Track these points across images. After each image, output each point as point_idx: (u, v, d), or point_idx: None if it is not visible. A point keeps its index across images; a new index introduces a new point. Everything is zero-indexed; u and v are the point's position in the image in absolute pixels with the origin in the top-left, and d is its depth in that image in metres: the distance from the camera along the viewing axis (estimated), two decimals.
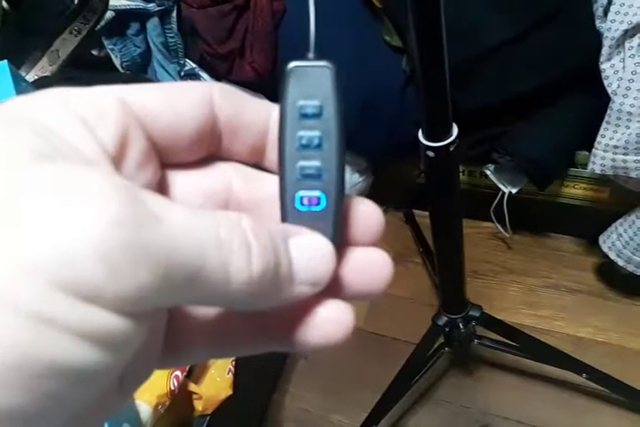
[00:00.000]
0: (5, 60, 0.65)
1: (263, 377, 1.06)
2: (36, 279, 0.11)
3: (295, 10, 0.89)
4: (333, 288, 0.17)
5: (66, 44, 0.93)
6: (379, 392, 0.95)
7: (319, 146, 0.17)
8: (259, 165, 0.19)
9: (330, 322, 0.17)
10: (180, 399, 0.70)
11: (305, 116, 0.17)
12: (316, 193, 0.17)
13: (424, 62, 0.51)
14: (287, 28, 0.91)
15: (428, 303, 1.13)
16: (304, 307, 0.17)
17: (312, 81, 0.17)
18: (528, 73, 0.86)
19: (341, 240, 0.17)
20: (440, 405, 1.03)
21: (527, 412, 0.99)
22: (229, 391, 0.73)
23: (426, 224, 1.20)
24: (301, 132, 0.17)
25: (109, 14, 0.92)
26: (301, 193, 0.17)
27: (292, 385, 1.11)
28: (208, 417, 0.73)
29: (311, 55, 0.17)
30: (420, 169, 1.13)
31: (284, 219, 0.17)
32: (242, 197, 0.19)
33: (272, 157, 0.18)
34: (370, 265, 0.18)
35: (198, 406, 0.72)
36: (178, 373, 0.67)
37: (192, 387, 0.71)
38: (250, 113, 0.18)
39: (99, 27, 0.93)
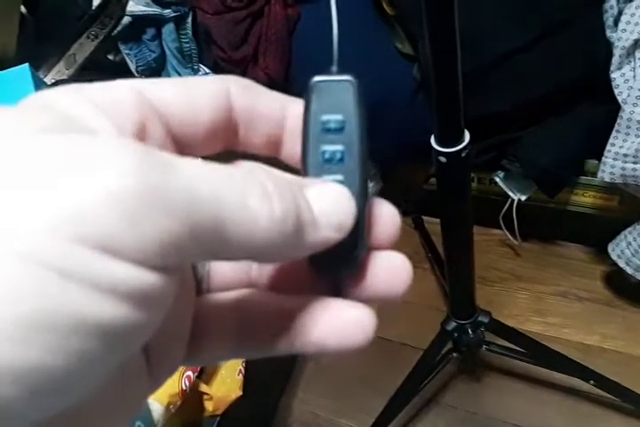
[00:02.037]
0: (27, 64, 0.67)
1: (272, 379, 1.07)
2: (57, 235, 0.10)
3: (309, 17, 0.90)
4: (354, 291, 0.18)
5: (83, 49, 0.94)
6: (386, 397, 0.95)
7: (341, 160, 0.17)
8: (276, 158, 0.19)
9: (351, 325, 0.16)
10: (190, 400, 0.70)
11: (328, 130, 0.17)
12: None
13: (437, 68, 0.52)
14: (301, 34, 0.92)
15: (436, 309, 1.13)
16: (326, 308, 0.17)
17: (335, 95, 0.17)
18: (538, 81, 0.87)
19: (366, 248, 0.17)
20: (447, 410, 1.03)
21: (534, 419, 0.99)
22: (239, 392, 0.74)
23: (434, 230, 1.21)
24: (324, 147, 0.17)
25: (126, 19, 0.94)
26: None
27: (300, 389, 1.11)
28: (218, 418, 0.73)
29: (334, 69, 0.17)
30: (428, 175, 1.14)
31: None
32: None
33: (289, 150, 0.19)
34: (390, 269, 0.18)
35: (208, 406, 0.73)
36: (189, 373, 0.68)
37: (203, 387, 0.72)
38: (265, 104, 0.18)
39: (115, 32, 0.95)
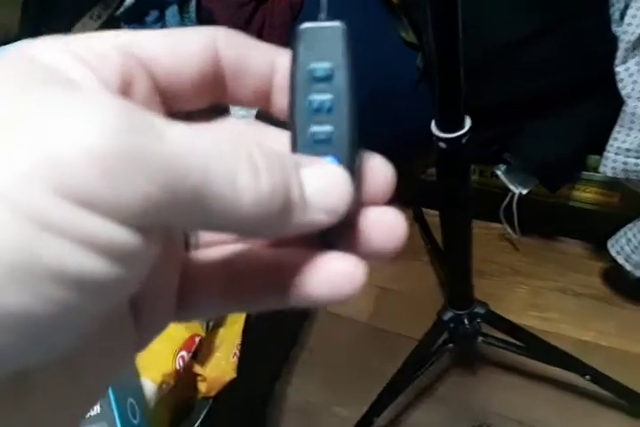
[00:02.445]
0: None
1: (267, 364, 1.08)
2: (34, 183, 0.10)
3: (313, 3, 0.90)
4: (346, 246, 0.17)
5: (85, 29, 0.94)
6: (381, 386, 0.95)
7: (330, 110, 0.17)
8: (266, 112, 0.19)
9: (340, 276, 0.16)
10: (184, 380, 0.71)
11: (315, 79, 0.16)
12: (328, 158, 0.16)
13: (440, 52, 0.52)
14: (305, 20, 0.92)
15: (433, 301, 1.13)
16: (314, 260, 0.17)
17: (323, 43, 0.16)
18: (541, 73, 0.87)
19: (357, 204, 0.17)
20: (441, 402, 1.04)
21: (528, 412, 1.00)
22: (233, 374, 0.74)
23: (434, 222, 1.21)
24: (312, 96, 0.16)
25: (129, 1, 0.94)
26: None
27: (295, 376, 1.12)
28: (211, 400, 0.74)
29: (323, 16, 0.17)
30: (427, 165, 1.13)
31: None
32: None
33: (279, 103, 0.18)
34: (383, 224, 0.17)
35: (202, 387, 0.73)
36: (184, 353, 0.68)
37: (197, 369, 0.72)
38: (254, 56, 0.17)
39: (118, 12, 0.94)
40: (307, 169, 0.15)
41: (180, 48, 0.16)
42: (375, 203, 0.18)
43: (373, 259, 0.18)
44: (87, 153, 0.11)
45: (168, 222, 0.12)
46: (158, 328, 0.18)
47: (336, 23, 0.16)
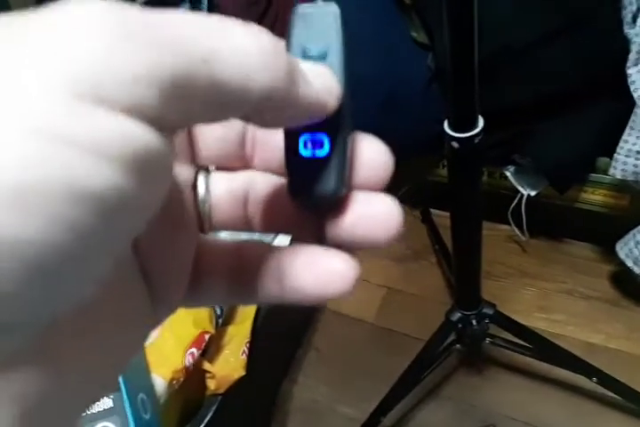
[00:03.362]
0: None
1: (275, 362, 1.08)
2: (32, 89, 0.10)
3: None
4: (336, 230, 0.17)
5: None
6: (387, 386, 0.95)
7: None
8: None
9: (331, 274, 0.16)
10: (193, 377, 0.71)
11: (310, 58, 0.16)
12: (320, 137, 0.17)
13: (454, 52, 0.52)
14: None
15: (441, 302, 1.14)
16: (309, 256, 0.17)
17: (317, 25, 0.17)
18: (553, 75, 0.87)
19: (348, 185, 0.17)
20: (447, 402, 1.04)
21: (535, 414, 0.99)
22: (242, 372, 0.74)
23: (441, 223, 1.21)
24: None
25: None
26: (305, 137, 0.17)
27: (301, 375, 1.12)
28: (220, 397, 0.74)
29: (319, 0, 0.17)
30: (436, 166, 1.14)
31: (288, 164, 0.17)
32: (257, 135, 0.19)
33: None
34: (375, 210, 0.17)
35: (211, 385, 0.73)
36: (193, 350, 0.68)
37: (206, 366, 0.72)
38: None
39: None
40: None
41: None
42: (370, 188, 0.17)
43: (366, 247, 0.17)
44: (96, 37, 0.10)
45: (183, 105, 0.12)
46: (171, 305, 0.18)
47: (331, 6, 0.17)
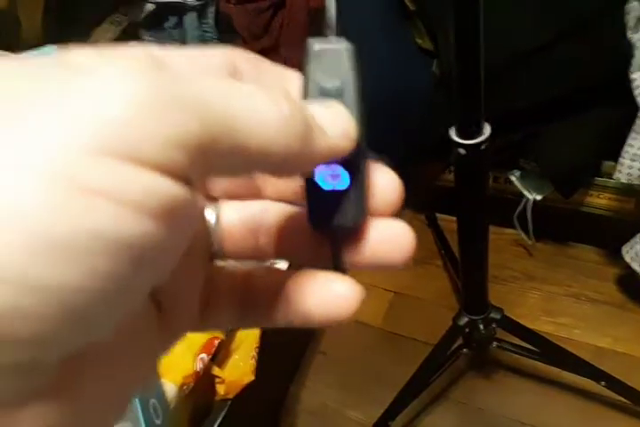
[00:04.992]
0: (54, 46, 0.68)
1: (283, 367, 1.08)
2: (78, 148, 0.10)
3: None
4: (353, 256, 0.18)
5: (105, 34, 0.96)
6: (395, 390, 0.95)
7: None
8: None
9: (335, 298, 0.17)
10: (203, 382, 0.71)
11: (327, 96, 0.17)
12: (340, 171, 0.17)
13: (460, 58, 0.52)
14: (323, 27, 0.93)
15: (448, 306, 1.14)
16: (313, 281, 0.17)
17: (332, 62, 0.17)
18: (557, 80, 0.87)
19: (365, 212, 0.18)
20: (455, 406, 1.04)
21: (542, 418, 0.99)
22: (252, 377, 0.75)
23: (448, 227, 1.22)
24: None
25: (149, 7, 0.95)
26: (325, 173, 0.17)
27: (309, 379, 1.12)
28: (229, 402, 0.74)
29: (332, 36, 0.18)
30: (442, 171, 1.14)
31: (308, 197, 0.18)
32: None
33: None
34: (390, 235, 0.18)
35: (220, 390, 0.74)
36: (203, 355, 0.69)
37: (215, 371, 0.73)
38: (269, 74, 0.18)
39: (138, 18, 0.96)
40: (309, 105, 0.16)
41: (200, 60, 0.17)
42: (383, 215, 0.18)
43: (382, 270, 0.18)
44: (127, 107, 0.11)
45: (207, 164, 0.12)
46: (181, 331, 0.18)
47: (344, 43, 0.17)
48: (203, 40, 1.01)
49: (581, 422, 0.98)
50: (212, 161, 0.12)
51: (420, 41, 0.93)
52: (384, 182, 0.18)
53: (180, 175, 0.12)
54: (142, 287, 0.13)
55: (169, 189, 0.12)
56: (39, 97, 0.11)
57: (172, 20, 0.99)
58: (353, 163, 0.17)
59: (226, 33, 1.00)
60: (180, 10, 0.98)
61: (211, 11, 0.97)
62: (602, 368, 0.92)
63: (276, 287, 0.18)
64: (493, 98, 0.82)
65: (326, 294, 0.17)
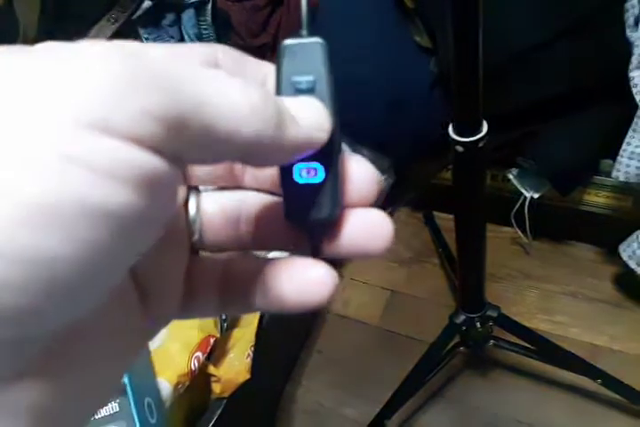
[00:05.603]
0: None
1: (279, 365, 1.08)
2: (55, 119, 0.11)
3: (327, 5, 0.91)
4: (331, 246, 0.18)
5: (103, 32, 0.95)
6: (391, 389, 0.95)
7: None
8: None
9: (309, 283, 0.17)
10: (198, 381, 0.71)
11: (300, 91, 0.17)
12: (314, 166, 0.17)
13: (458, 56, 0.52)
14: (319, 23, 0.92)
15: (444, 304, 1.14)
16: (289, 267, 0.18)
17: (305, 57, 0.17)
18: (555, 78, 0.87)
19: (341, 204, 0.18)
20: (452, 404, 1.04)
21: (539, 416, 0.99)
22: (247, 375, 0.75)
23: (445, 225, 1.22)
24: None
25: (146, 4, 0.94)
26: (299, 166, 0.17)
27: (305, 378, 1.12)
28: (225, 400, 0.74)
29: (304, 32, 0.18)
30: (440, 170, 1.14)
31: (284, 190, 0.18)
32: None
33: None
34: (368, 224, 0.18)
35: (216, 388, 0.73)
36: (199, 354, 0.69)
37: (211, 369, 0.72)
38: (250, 72, 0.19)
39: (135, 16, 0.95)
40: (283, 98, 0.16)
41: (178, 51, 0.17)
42: (361, 205, 0.18)
43: (363, 259, 0.19)
44: (101, 83, 0.11)
45: (179, 140, 0.13)
46: (166, 318, 0.19)
47: (316, 39, 0.18)
48: (200, 37, 1.01)
49: (577, 420, 0.98)
50: (185, 139, 0.13)
51: (418, 39, 0.92)
52: (360, 173, 0.18)
53: (157, 148, 0.12)
54: (123, 259, 0.13)
55: (147, 160, 0.12)
56: (22, 74, 0.11)
57: (170, 18, 0.99)
58: (327, 156, 0.17)
59: (223, 30, 0.99)
60: (178, 7, 0.97)
61: (208, 8, 0.97)
62: (598, 366, 0.92)
63: (254, 274, 0.18)
64: (491, 96, 0.82)
65: (301, 280, 0.17)
